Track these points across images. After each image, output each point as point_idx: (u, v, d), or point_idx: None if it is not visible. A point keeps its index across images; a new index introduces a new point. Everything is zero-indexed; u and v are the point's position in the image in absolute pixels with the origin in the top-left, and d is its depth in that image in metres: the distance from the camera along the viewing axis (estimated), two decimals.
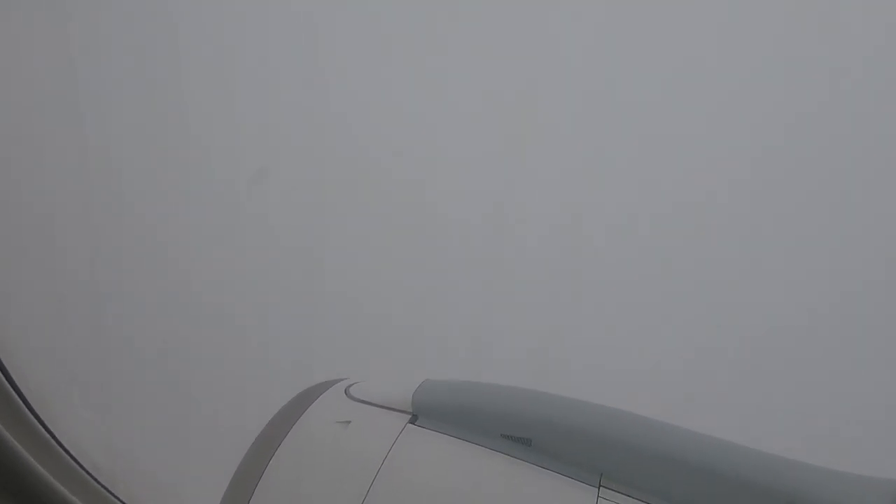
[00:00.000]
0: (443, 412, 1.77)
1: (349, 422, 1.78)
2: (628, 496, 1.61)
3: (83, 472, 1.16)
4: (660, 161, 2.69)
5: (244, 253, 2.98)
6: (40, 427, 1.10)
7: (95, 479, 1.20)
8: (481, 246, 2.86)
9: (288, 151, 2.89)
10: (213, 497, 1.71)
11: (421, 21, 2.73)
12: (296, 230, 2.97)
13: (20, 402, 1.08)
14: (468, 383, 1.91)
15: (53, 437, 1.11)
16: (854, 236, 2.60)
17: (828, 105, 2.53)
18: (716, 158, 2.66)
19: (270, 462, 1.71)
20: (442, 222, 2.88)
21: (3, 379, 1.07)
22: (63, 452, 1.12)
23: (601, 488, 1.61)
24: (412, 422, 1.76)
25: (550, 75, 2.65)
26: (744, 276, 2.74)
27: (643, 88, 2.63)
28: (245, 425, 1.87)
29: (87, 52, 2.83)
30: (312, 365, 2.81)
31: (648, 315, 2.83)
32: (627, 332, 2.82)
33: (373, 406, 1.83)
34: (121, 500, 1.26)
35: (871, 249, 2.57)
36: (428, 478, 1.69)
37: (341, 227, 2.94)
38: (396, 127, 2.83)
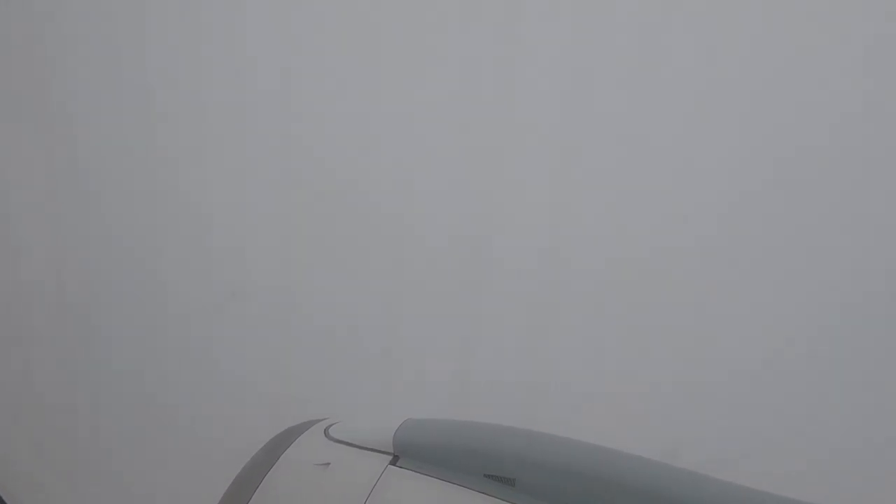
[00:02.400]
0: (424, 452, 1.73)
1: (328, 464, 1.74)
2: None
3: None
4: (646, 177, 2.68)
5: (213, 286, 2.94)
6: None
7: None
8: (462, 275, 2.84)
9: (257, 177, 2.86)
10: None
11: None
12: (268, 259, 2.93)
13: None
14: (450, 422, 1.87)
15: None
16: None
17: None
18: (711, 162, 2.65)
19: None
20: (420, 250, 2.85)
21: None
22: None
23: None
24: (393, 463, 1.72)
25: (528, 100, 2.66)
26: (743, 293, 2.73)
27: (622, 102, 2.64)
28: (220, 468, 1.82)
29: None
30: (290, 404, 2.76)
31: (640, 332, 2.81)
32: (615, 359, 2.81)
33: (353, 447, 1.78)
34: None
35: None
36: None
37: (315, 257, 2.90)
38: (371, 155, 2.81)
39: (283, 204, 2.88)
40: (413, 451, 1.73)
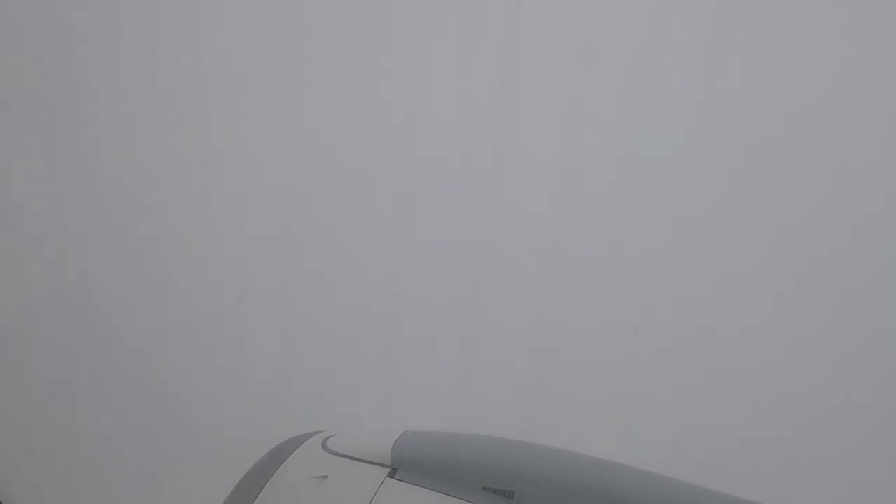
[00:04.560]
0: (422, 465, 1.72)
1: (326, 477, 1.73)
2: None
3: None
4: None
5: (218, 290, 2.94)
6: None
7: None
8: (465, 275, 2.83)
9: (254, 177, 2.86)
10: None
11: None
12: (272, 261, 2.93)
13: None
14: (449, 434, 1.87)
15: None
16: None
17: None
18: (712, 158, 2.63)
19: None
20: (424, 249, 2.85)
21: None
22: None
23: None
24: (391, 475, 1.71)
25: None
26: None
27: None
28: (220, 478, 1.81)
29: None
30: (287, 416, 2.76)
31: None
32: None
33: (351, 459, 1.78)
34: None
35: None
36: None
37: (310, 262, 2.90)
38: (372, 155, 2.81)
39: (285, 205, 2.89)
40: (411, 464, 1.72)
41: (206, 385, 2.96)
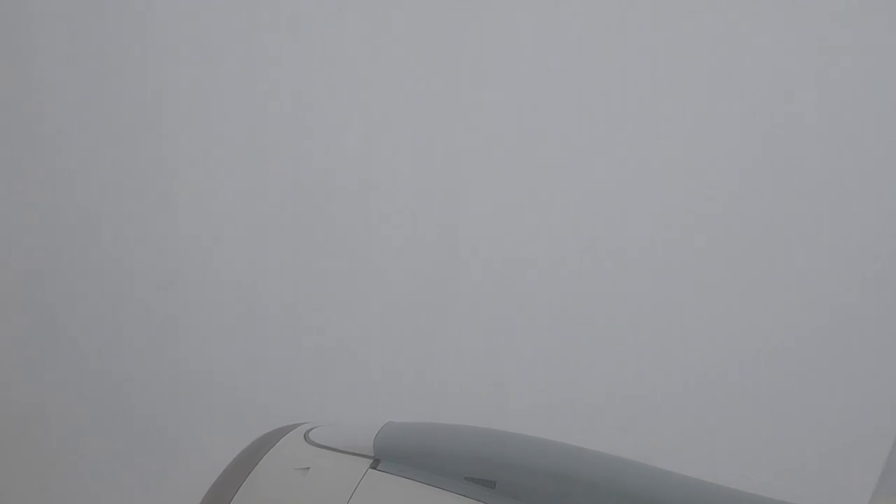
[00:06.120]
0: (405, 455, 1.72)
1: (308, 468, 1.73)
2: None
3: None
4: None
5: (186, 287, 2.93)
6: None
7: None
8: (432, 279, 2.84)
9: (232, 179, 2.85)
10: None
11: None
12: (240, 262, 2.92)
13: None
14: (431, 425, 1.86)
15: None
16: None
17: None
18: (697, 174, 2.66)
19: None
20: (393, 250, 2.85)
21: None
22: None
23: None
24: (374, 466, 1.71)
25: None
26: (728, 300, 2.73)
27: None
28: (198, 475, 1.81)
29: None
30: (269, 409, 2.75)
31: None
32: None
33: (333, 451, 1.77)
34: None
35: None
36: None
37: (288, 259, 2.90)
38: (339, 153, 2.81)
39: (250, 202, 2.88)
40: (394, 455, 1.72)
41: (182, 376, 2.95)
